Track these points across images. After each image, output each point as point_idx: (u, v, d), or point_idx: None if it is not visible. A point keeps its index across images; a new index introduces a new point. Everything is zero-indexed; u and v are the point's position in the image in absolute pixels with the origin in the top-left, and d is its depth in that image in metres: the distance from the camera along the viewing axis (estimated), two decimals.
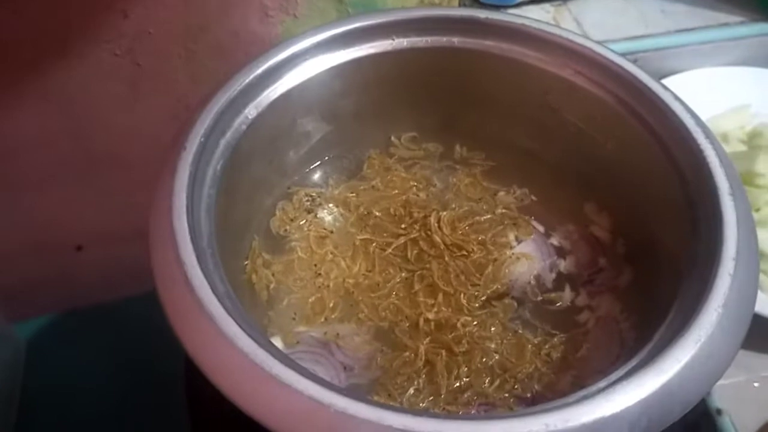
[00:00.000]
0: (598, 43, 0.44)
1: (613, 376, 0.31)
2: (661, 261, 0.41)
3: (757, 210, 0.59)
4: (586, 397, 0.29)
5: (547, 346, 0.41)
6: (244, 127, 0.41)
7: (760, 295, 0.55)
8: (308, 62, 0.44)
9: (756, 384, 0.54)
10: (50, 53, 0.58)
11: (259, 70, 0.42)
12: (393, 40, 0.46)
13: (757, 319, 0.51)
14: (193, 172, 0.36)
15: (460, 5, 0.65)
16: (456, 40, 0.46)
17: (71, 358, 0.73)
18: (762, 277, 0.55)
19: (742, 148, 0.66)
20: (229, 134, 0.40)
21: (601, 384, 0.30)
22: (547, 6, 0.71)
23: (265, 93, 0.42)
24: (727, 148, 0.65)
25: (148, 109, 0.65)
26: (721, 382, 0.53)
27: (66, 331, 0.75)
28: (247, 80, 0.41)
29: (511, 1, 0.70)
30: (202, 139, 0.38)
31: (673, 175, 0.39)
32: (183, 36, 0.60)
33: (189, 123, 0.38)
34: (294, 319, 0.43)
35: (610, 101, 0.43)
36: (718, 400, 0.53)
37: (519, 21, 0.45)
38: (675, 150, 0.39)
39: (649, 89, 0.41)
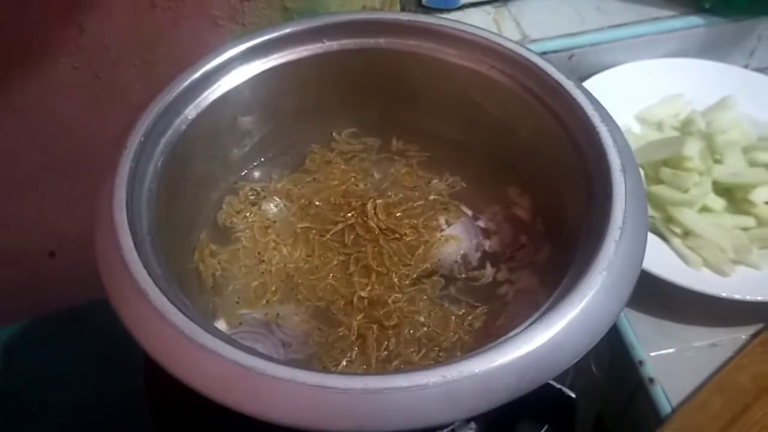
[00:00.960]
0: (508, 39, 0.48)
1: (510, 334, 0.34)
2: (571, 236, 0.44)
3: (686, 191, 0.63)
4: (480, 352, 0.33)
5: (470, 318, 0.45)
6: (183, 126, 0.45)
7: (688, 269, 0.59)
8: (245, 65, 0.48)
9: (687, 354, 0.58)
10: (11, 67, 0.62)
11: (197, 74, 0.45)
12: (324, 42, 0.49)
13: (687, 293, 0.55)
14: (134, 168, 0.40)
15: (402, 9, 0.69)
16: (382, 41, 0.50)
17: (45, 362, 0.75)
18: (687, 252, 0.59)
19: (676, 134, 0.70)
20: (169, 133, 0.44)
21: (499, 340, 0.34)
22: (488, 8, 0.75)
23: (204, 94, 0.46)
24: (662, 135, 0.69)
25: (109, 117, 0.68)
26: (654, 353, 0.58)
27: (39, 336, 0.77)
28: (185, 83, 0.45)
29: (454, 5, 0.74)
30: (142, 139, 0.41)
31: (576, 155, 0.43)
32: (138, 47, 0.63)
33: (130, 124, 0.42)
34: (238, 302, 0.46)
35: (521, 92, 0.47)
36: (651, 371, 0.57)
37: (438, 22, 0.49)
38: (576, 133, 0.43)
39: (554, 79, 0.45)
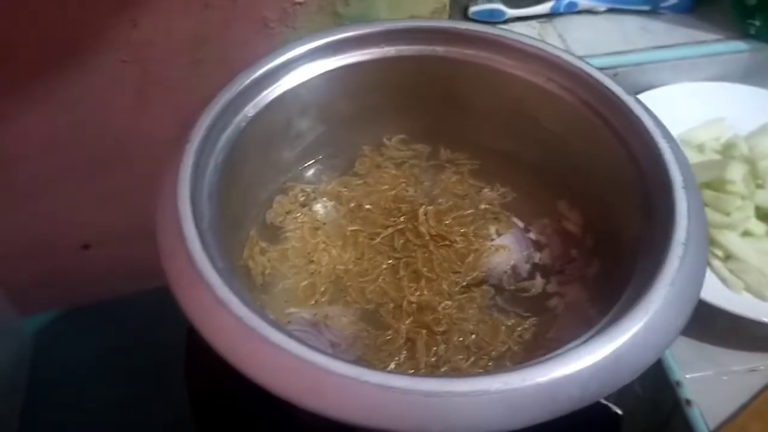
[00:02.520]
0: (572, 54, 0.48)
1: (571, 345, 0.34)
2: (623, 252, 0.44)
3: (728, 214, 0.62)
4: (542, 361, 0.33)
5: (519, 328, 0.45)
6: (243, 124, 0.45)
7: (729, 293, 0.59)
8: (303, 67, 0.48)
9: (725, 378, 0.58)
10: (60, 60, 0.62)
11: (257, 74, 0.46)
12: (382, 48, 0.50)
13: (727, 316, 0.55)
14: (196, 162, 0.40)
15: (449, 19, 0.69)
16: (439, 49, 0.50)
17: (76, 352, 0.76)
18: (729, 275, 0.59)
19: (717, 157, 0.70)
20: (229, 130, 0.44)
21: (559, 351, 0.34)
22: (533, 23, 0.75)
23: (263, 94, 0.46)
24: (703, 158, 0.69)
25: (153, 113, 0.69)
26: (691, 375, 0.57)
27: (71, 327, 0.78)
28: (246, 82, 0.45)
29: (499, 18, 0.74)
30: (205, 134, 0.42)
31: (634, 171, 0.43)
32: (188, 46, 0.64)
33: (193, 120, 0.42)
34: (286, 301, 0.46)
35: (578, 106, 0.47)
36: (688, 392, 0.56)
37: (496, 32, 0.49)
38: (636, 148, 0.43)
39: (614, 94, 0.45)
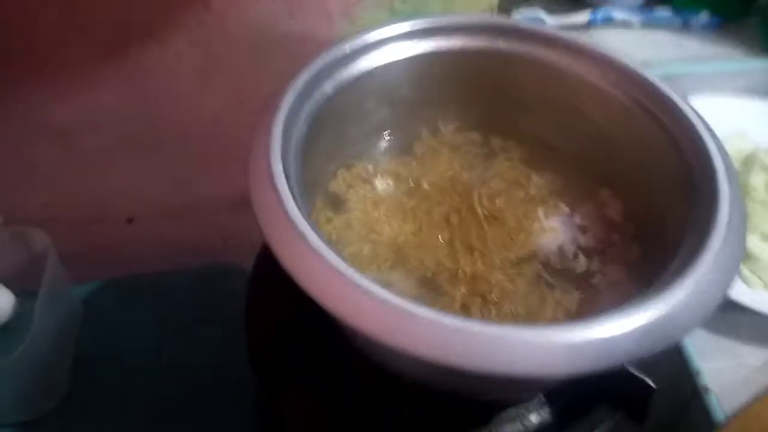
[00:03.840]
0: (619, 54, 0.52)
1: (626, 304, 0.38)
2: (666, 238, 0.48)
3: (749, 218, 0.67)
4: (598, 319, 0.36)
5: (565, 301, 0.49)
6: (323, 100, 0.49)
7: (748, 290, 0.63)
8: (378, 51, 0.52)
9: (742, 370, 0.62)
10: (135, 37, 0.67)
11: (337, 54, 0.50)
12: (448, 40, 0.54)
13: (746, 311, 0.59)
14: (286, 129, 0.44)
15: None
16: (501, 44, 0.54)
17: (123, 319, 0.79)
18: (749, 274, 0.63)
19: (740, 169, 0.74)
20: (311, 102, 0.48)
21: (613, 311, 0.37)
22: (572, 33, 0.80)
23: (342, 73, 0.50)
24: None
25: (214, 95, 0.73)
26: (710, 365, 0.61)
27: (119, 295, 0.81)
28: (328, 60, 0.49)
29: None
30: (292, 104, 0.46)
31: (679, 163, 0.47)
32: (253, 32, 0.68)
33: (281, 92, 0.46)
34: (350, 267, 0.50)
35: (628, 103, 0.51)
36: (706, 380, 0.60)
37: (557, 32, 0.53)
38: (682, 142, 0.47)
39: (661, 91, 0.49)
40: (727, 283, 0.40)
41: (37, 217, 0.74)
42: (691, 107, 0.49)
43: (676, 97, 0.49)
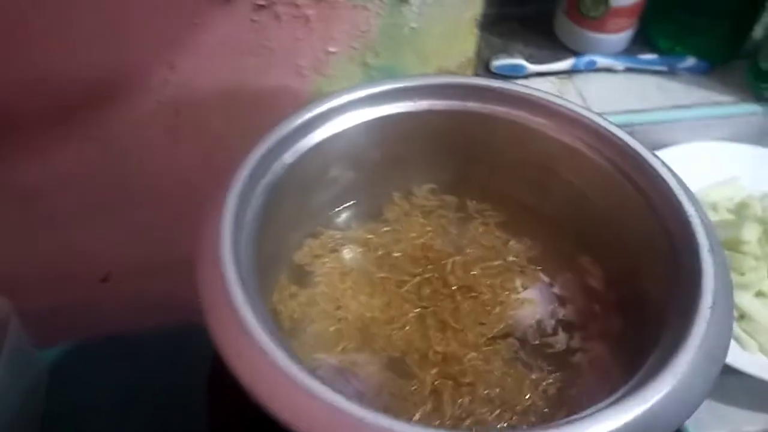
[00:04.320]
0: (597, 114, 0.49)
1: (601, 405, 0.35)
2: (648, 310, 0.45)
3: (742, 274, 0.64)
4: (573, 421, 0.33)
5: (543, 383, 0.46)
6: (280, 171, 0.46)
7: (743, 353, 0.59)
8: (339, 117, 0.49)
9: None
10: (99, 97, 0.64)
11: (297, 123, 0.47)
12: (414, 102, 0.51)
13: (741, 376, 0.56)
14: (237, 206, 0.42)
15: (474, 74, 0.71)
16: (470, 105, 0.52)
17: (92, 386, 0.76)
18: (743, 335, 0.60)
19: (730, 217, 0.71)
20: (268, 176, 0.45)
21: (585, 413, 0.34)
22: (552, 79, 0.78)
23: (301, 142, 0.48)
24: (716, 217, 0.71)
25: (183, 152, 0.70)
26: None
27: (88, 360, 0.78)
28: (287, 130, 0.47)
29: (520, 73, 0.76)
30: (246, 179, 0.43)
31: (660, 232, 0.44)
32: (222, 89, 0.66)
33: (234, 167, 0.44)
34: (313, 347, 0.47)
35: (606, 166, 0.49)
36: None
37: (528, 91, 0.51)
38: (662, 210, 0.45)
39: (641, 156, 0.47)
40: (713, 374, 0.37)
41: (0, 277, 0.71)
42: (671, 170, 0.46)
43: (654, 160, 0.46)
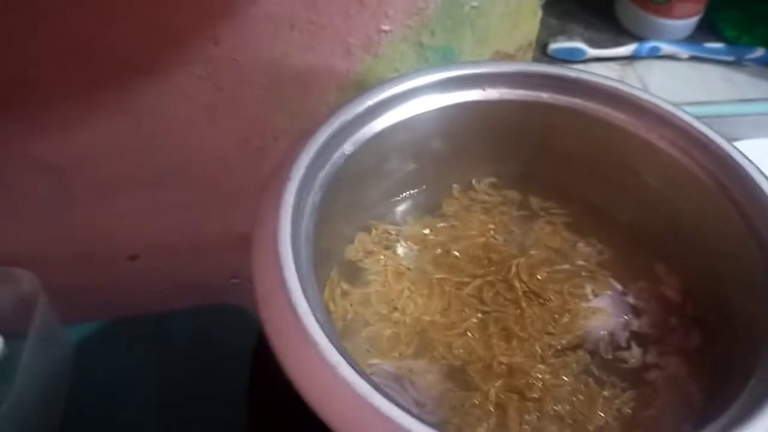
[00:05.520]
0: (684, 110, 0.45)
1: None
2: (734, 328, 0.42)
3: None
4: None
5: (617, 401, 0.42)
6: (341, 161, 0.43)
7: None
8: (403, 105, 0.46)
9: None
10: (137, 70, 0.60)
11: (359, 109, 0.43)
12: (484, 90, 0.47)
13: None
14: (297, 202, 0.38)
15: (533, 59, 0.67)
16: (545, 96, 0.47)
17: (117, 364, 0.74)
18: None
19: None
20: (327, 167, 0.42)
21: None
22: (612, 64, 0.73)
23: (362, 131, 0.44)
24: None
25: (221, 131, 0.67)
26: None
27: (113, 338, 0.76)
28: (348, 118, 0.43)
29: (579, 57, 0.72)
30: (305, 172, 0.39)
31: (752, 242, 0.40)
32: (267, 65, 0.62)
33: (292, 155, 0.40)
34: (369, 351, 0.44)
35: (692, 167, 0.45)
36: None
37: (609, 83, 0.46)
38: (755, 219, 0.41)
39: (733, 158, 0.42)
40: None
41: (28, 255, 0.68)
42: (763, 174, 0.42)
43: (751, 168, 0.42)
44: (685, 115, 0.45)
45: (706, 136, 0.44)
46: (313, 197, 0.40)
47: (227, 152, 0.69)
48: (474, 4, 0.59)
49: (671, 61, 0.74)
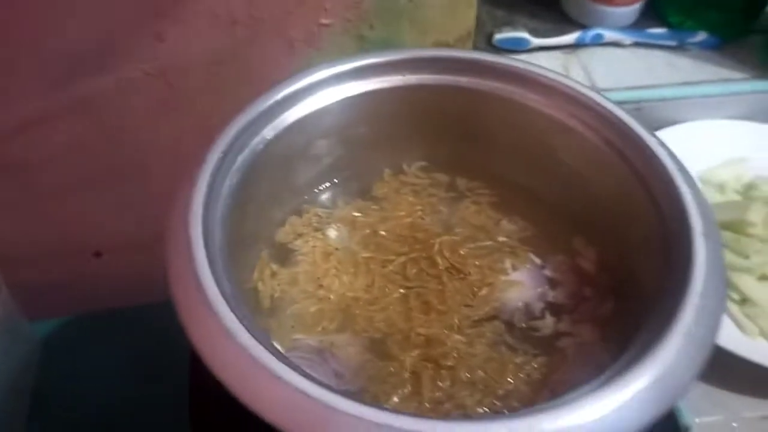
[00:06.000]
0: (596, 90, 0.47)
1: (577, 393, 0.33)
2: (640, 293, 0.44)
3: (747, 257, 0.61)
4: (546, 408, 0.32)
5: (527, 367, 0.44)
6: (260, 146, 0.45)
7: (743, 338, 0.58)
8: (324, 91, 0.48)
9: (735, 424, 0.57)
10: (88, 70, 0.63)
11: (278, 96, 0.46)
12: (404, 76, 0.49)
13: (740, 361, 0.54)
14: (211, 184, 0.40)
15: (474, 48, 0.69)
16: (463, 80, 0.50)
17: (84, 359, 0.76)
18: (744, 320, 0.58)
19: (738, 198, 0.69)
20: (246, 152, 0.44)
21: (565, 399, 0.33)
22: (557, 53, 0.75)
23: (282, 117, 0.46)
24: (723, 198, 0.68)
25: (173, 125, 0.69)
26: (702, 419, 0.56)
27: (80, 333, 0.78)
28: (266, 104, 0.45)
29: (523, 47, 0.74)
30: (221, 155, 0.42)
31: (654, 214, 0.42)
32: (212, 61, 0.64)
33: (210, 141, 0.42)
34: (293, 327, 0.46)
35: (601, 145, 0.47)
36: None
37: (522, 65, 0.48)
38: (657, 191, 0.43)
39: (638, 135, 0.44)
40: (700, 361, 0.35)
41: None
42: (669, 151, 0.44)
43: (651, 140, 0.44)
44: (593, 94, 0.47)
45: (613, 114, 0.46)
46: (230, 179, 0.42)
47: (181, 146, 0.71)
48: None
49: (615, 47, 0.76)
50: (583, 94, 0.47)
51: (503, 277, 0.49)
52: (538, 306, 0.48)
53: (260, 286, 0.47)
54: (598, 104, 0.46)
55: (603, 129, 0.47)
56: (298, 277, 0.48)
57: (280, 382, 0.32)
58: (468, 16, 0.65)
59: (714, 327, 0.36)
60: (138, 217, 0.78)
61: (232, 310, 0.34)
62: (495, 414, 0.41)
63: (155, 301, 0.78)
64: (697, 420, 0.56)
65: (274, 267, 0.49)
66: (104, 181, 0.73)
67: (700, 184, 0.68)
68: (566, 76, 0.48)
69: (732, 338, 0.56)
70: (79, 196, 0.73)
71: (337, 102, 0.48)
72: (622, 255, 0.47)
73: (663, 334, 0.35)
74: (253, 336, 0.33)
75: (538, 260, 0.50)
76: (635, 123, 0.45)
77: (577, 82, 0.48)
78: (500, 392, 0.43)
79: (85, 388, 0.73)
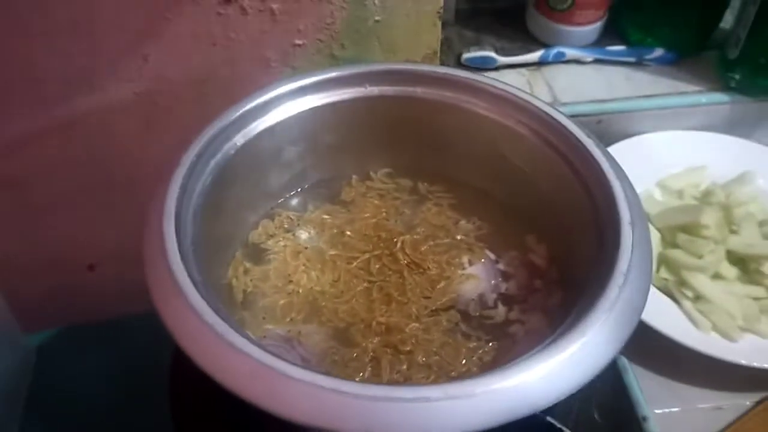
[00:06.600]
0: (538, 98, 0.52)
1: (515, 362, 0.37)
2: (583, 283, 0.47)
3: (700, 257, 0.65)
4: (484, 375, 0.36)
5: (480, 351, 0.48)
6: (232, 151, 0.49)
7: (697, 332, 0.61)
8: (291, 102, 0.52)
9: (692, 414, 0.60)
10: (78, 89, 0.67)
11: (249, 106, 0.50)
12: (365, 87, 0.54)
13: (694, 354, 0.57)
14: (184, 184, 0.44)
15: (442, 65, 0.73)
16: (419, 90, 0.54)
17: (78, 370, 0.78)
18: (698, 315, 0.62)
19: (695, 203, 0.72)
20: (218, 156, 0.48)
21: (498, 367, 0.37)
22: (523, 70, 0.79)
23: (254, 125, 0.51)
24: (682, 203, 0.72)
25: (160, 141, 0.73)
26: (659, 410, 0.60)
27: (74, 344, 0.80)
28: (237, 114, 0.49)
29: (490, 65, 0.78)
30: (194, 159, 0.46)
31: (590, 208, 0.46)
32: (195, 80, 0.68)
33: (185, 146, 0.47)
34: (264, 318, 0.50)
35: (543, 147, 0.51)
36: (654, 428, 0.58)
37: (471, 76, 0.53)
38: (592, 187, 0.47)
39: (575, 136, 0.49)
40: (623, 337, 0.39)
41: None
42: (604, 151, 0.48)
43: (587, 140, 0.48)
44: (536, 101, 0.51)
45: (553, 119, 0.50)
46: (203, 180, 0.47)
47: (167, 160, 0.74)
48: (377, 18, 0.66)
49: (577, 64, 0.80)
50: (526, 102, 0.52)
51: (460, 272, 0.52)
52: (492, 297, 0.51)
53: (234, 282, 0.51)
54: (540, 110, 0.51)
55: (545, 132, 0.51)
56: (270, 274, 0.52)
57: (240, 353, 0.36)
58: (432, 36, 0.70)
59: (638, 305, 0.40)
60: (129, 229, 0.79)
61: (199, 291, 0.38)
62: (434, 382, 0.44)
63: (146, 311, 0.82)
64: (656, 411, 0.59)
65: (248, 265, 0.52)
66: (96, 197, 0.76)
67: (660, 191, 0.73)
68: (511, 86, 0.52)
69: (687, 333, 0.60)
70: (71, 210, 0.77)
71: (304, 111, 0.53)
72: (568, 249, 0.51)
73: (590, 310, 0.38)
74: (217, 314, 0.37)
75: (492, 256, 0.54)
76: (574, 125, 0.49)
77: (520, 89, 0.52)
78: (453, 374, 0.47)
79: (78, 394, 0.75)
